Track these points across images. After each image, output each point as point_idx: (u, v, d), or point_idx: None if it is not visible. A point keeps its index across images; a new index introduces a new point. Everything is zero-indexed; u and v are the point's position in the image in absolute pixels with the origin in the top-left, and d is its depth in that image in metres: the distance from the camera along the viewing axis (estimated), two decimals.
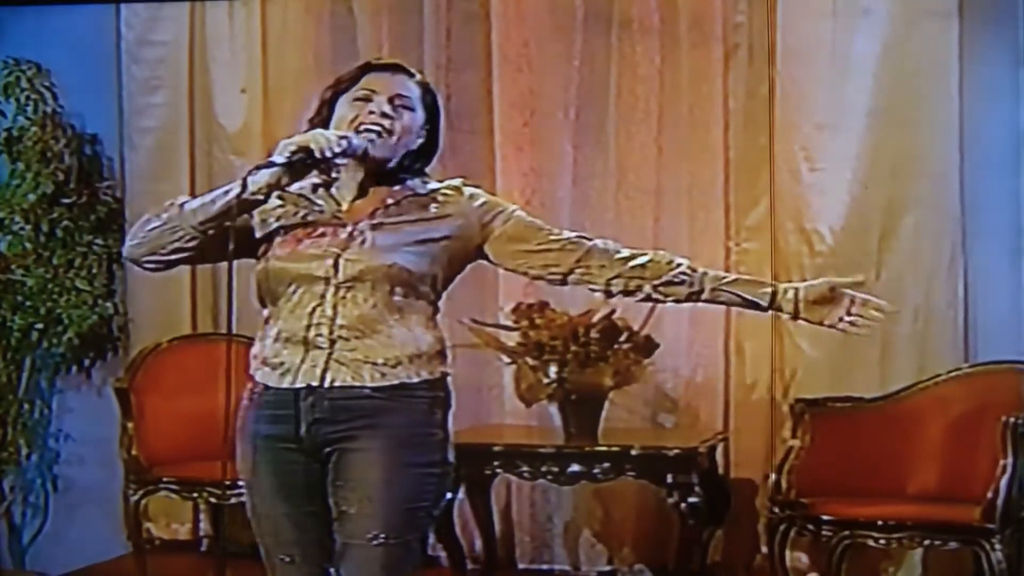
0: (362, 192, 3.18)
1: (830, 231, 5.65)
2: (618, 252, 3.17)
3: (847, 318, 3.10)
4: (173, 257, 3.15)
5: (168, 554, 6.12)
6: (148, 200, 6.21)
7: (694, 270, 3.16)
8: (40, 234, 6.17)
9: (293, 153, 3.03)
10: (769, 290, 3.14)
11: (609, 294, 3.20)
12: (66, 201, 6.19)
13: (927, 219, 5.59)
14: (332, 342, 3.07)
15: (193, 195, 6.25)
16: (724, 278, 3.16)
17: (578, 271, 3.16)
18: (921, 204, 5.60)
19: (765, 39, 5.70)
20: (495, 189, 5.85)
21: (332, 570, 3.13)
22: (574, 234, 3.19)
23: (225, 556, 5.82)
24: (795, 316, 3.13)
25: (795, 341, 5.69)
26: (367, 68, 3.22)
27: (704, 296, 3.14)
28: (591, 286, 3.18)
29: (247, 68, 6.18)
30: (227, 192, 3.07)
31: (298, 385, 3.09)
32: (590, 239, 3.18)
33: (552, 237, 3.17)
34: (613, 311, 5.35)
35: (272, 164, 3.03)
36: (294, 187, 3.18)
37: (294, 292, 3.11)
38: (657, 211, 5.83)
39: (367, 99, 3.15)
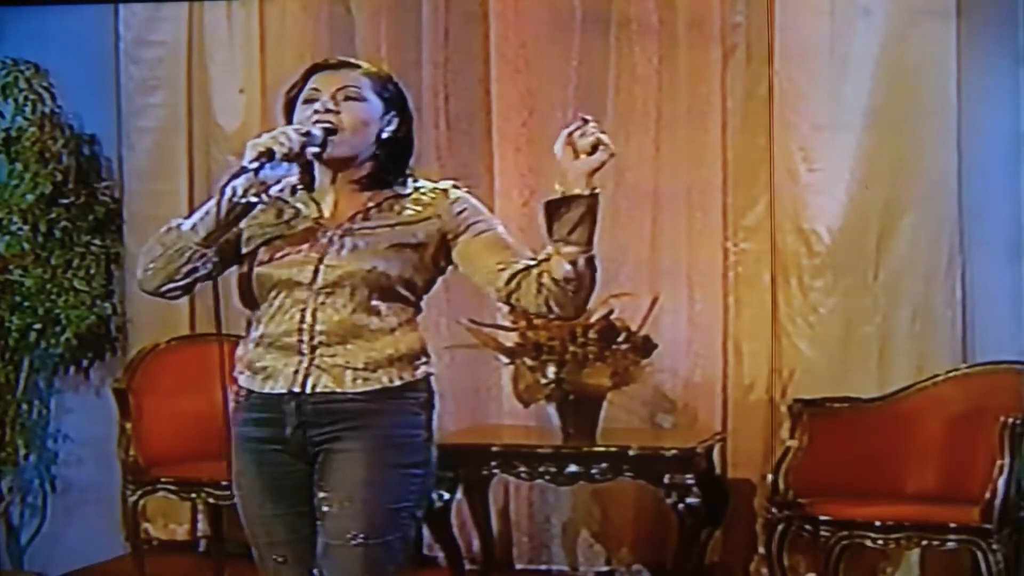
0: (343, 195, 3.17)
1: (828, 232, 5.63)
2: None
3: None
4: (189, 280, 3.13)
5: (166, 554, 6.12)
6: (146, 200, 6.25)
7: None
8: (38, 234, 6.16)
9: (259, 156, 3.02)
10: (558, 187, 3.03)
11: (545, 313, 3.10)
12: (64, 201, 6.18)
13: (925, 220, 5.58)
14: (313, 348, 3.09)
15: (191, 196, 6.34)
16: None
17: (517, 292, 3.10)
18: (919, 205, 5.59)
19: (763, 39, 5.69)
20: (493, 189, 5.86)
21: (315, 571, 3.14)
22: (526, 260, 3.10)
23: (223, 556, 5.81)
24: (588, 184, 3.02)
25: (793, 342, 5.69)
26: (313, 70, 3.21)
27: (559, 247, 3.02)
28: (522, 305, 3.11)
29: (245, 68, 6.18)
30: (217, 202, 3.06)
31: (280, 390, 3.10)
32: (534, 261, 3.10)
33: (513, 260, 3.11)
34: (611, 311, 5.36)
35: (245, 170, 3.02)
36: (272, 191, 3.14)
37: (275, 297, 3.12)
38: (655, 211, 5.82)
39: (313, 100, 3.14)
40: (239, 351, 3.19)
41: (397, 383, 3.10)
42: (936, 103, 5.55)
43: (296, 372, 3.09)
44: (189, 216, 3.14)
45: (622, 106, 5.84)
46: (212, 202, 3.08)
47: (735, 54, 5.75)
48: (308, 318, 3.09)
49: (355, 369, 3.08)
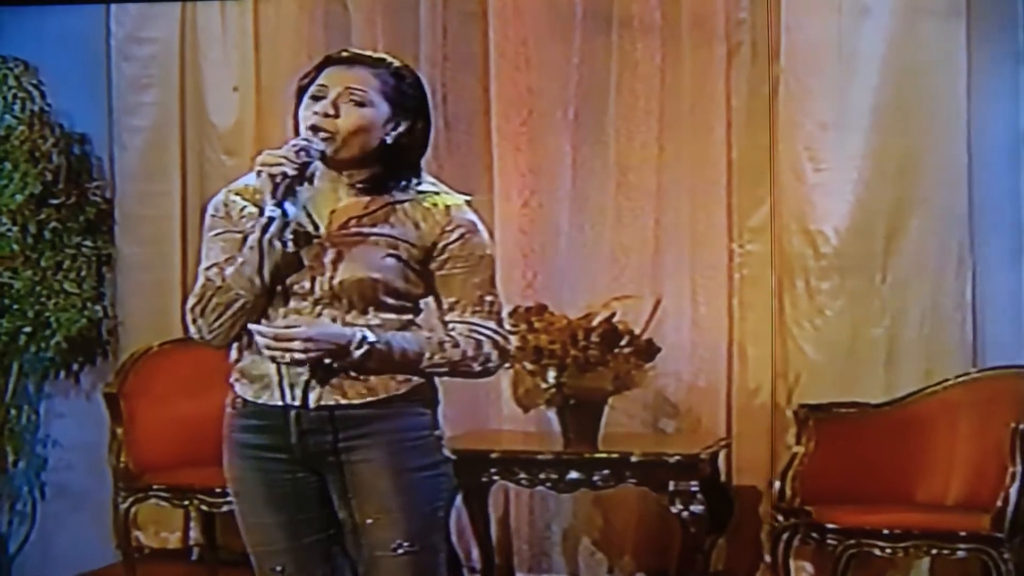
0: (341, 197, 3.09)
1: (835, 232, 5.58)
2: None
3: None
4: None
5: (157, 563, 6.08)
6: (138, 201, 6.24)
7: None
8: (28, 236, 6.10)
9: (275, 184, 2.96)
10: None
11: None
12: (54, 202, 6.13)
13: (934, 220, 5.53)
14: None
15: (184, 196, 6.34)
16: None
17: None
18: (928, 205, 5.54)
19: (768, 37, 5.65)
20: (492, 190, 5.85)
21: None
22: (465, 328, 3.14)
23: (216, 564, 5.77)
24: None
25: (799, 345, 5.64)
26: (326, 62, 3.11)
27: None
28: None
29: (239, 66, 6.13)
30: (260, 259, 2.99)
31: (279, 403, 3.05)
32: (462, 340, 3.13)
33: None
34: (614, 314, 5.32)
35: (272, 219, 2.97)
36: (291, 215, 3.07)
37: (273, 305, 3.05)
38: (658, 212, 5.77)
39: (320, 97, 3.05)
40: (233, 355, 3.13)
41: (402, 390, 3.07)
42: (944, 102, 5.51)
43: (294, 385, 3.03)
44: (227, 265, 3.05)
45: (624, 105, 5.80)
46: (248, 242, 3.01)
47: (739, 52, 5.71)
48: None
49: (356, 379, 3.03)
